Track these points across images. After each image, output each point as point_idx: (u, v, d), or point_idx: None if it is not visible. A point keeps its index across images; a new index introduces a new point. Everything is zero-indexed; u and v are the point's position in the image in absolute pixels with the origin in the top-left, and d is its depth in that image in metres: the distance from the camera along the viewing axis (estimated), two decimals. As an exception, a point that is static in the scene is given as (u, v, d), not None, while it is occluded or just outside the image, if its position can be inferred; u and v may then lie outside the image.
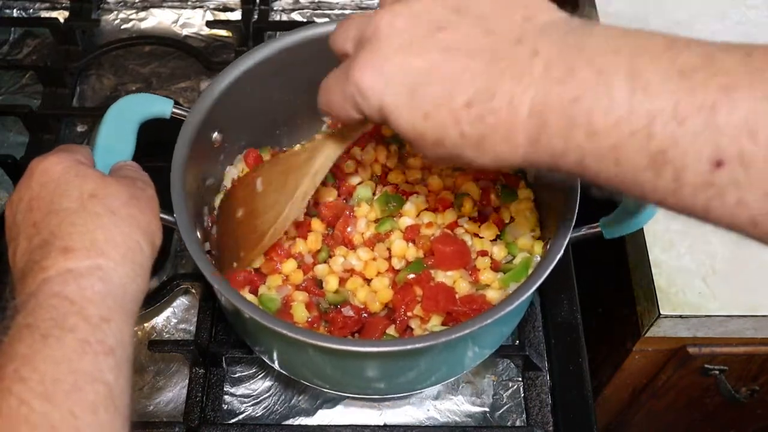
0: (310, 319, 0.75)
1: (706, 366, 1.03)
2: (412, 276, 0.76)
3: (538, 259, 0.77)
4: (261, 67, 0.81)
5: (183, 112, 0.76)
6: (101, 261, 0.53)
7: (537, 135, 0.45)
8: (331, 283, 0.78)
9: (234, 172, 0.86)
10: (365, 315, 0.76)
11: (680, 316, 0.88)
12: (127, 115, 0.73)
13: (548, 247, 0.69)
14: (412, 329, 0.75)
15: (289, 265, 0.78)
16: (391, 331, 0.75)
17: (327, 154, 0.68)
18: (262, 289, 0.77)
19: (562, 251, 0.67)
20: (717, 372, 1.03)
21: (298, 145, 0.91)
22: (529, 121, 0.45)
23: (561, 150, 0.45)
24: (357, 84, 0.49)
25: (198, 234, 0.75)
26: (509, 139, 0.46)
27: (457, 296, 0.75)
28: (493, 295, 0.76)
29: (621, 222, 0.69)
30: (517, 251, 0.79)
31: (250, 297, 0.76)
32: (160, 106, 0.75)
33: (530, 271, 0.73)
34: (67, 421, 0.45)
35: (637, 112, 0.41)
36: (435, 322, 0.74)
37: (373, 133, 0.88)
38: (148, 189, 0.63)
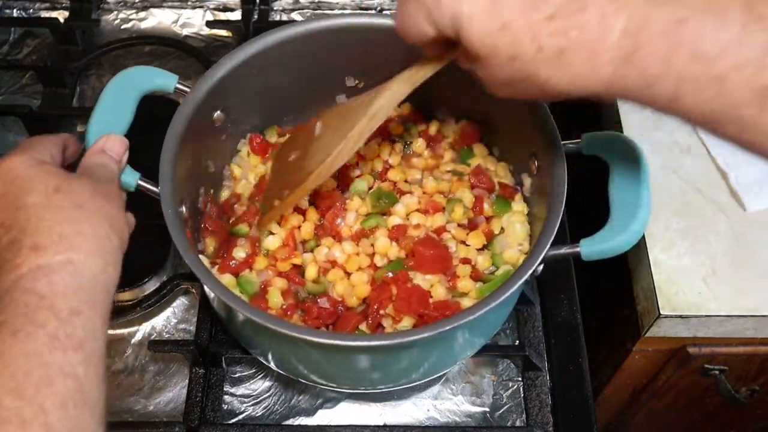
0: (284, 307, 0.75)
1: (706, 366, 1.03)
2: (390, 275, 0.76)
3: None
4: (268, 53, 0.81)
5: (186, 89, 0.76)
6: (71, 255, 0.53)
7: (629, 56, 0.43)
8: (311, 272, 0.78)
9: (239, 165, 0.87)
10: (341, 308, 0.76)
11: (680, 316, 0.88)
12: (129, 87, 0.74)
13: (523, 261, 0.69)
14: (383, 327, 0.75)
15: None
16: (363, 327, 0.75)
17: (390, 94, 0.66)
18: (243, 272, 0.77)
19: (535, 266, 0.67)
20: (717, 372, 1.03)
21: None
22: (622, 40, 0.43)
23: (656, 74, 0.43)
24: None
25: (184, 209, 0.75)
26: (593, 58, 0.44)
27: (431, 300, 0.75)
28: (468, 303, 0.75)
29: (601, 245, 0.68)
30: (502, 263, 0.79)
31: (227, 279, 0.76)
32: (164, 80, 0.76)
33: None
34: (37, 416, 0.45)
35: (748, 42, 0.40)
36: (406, 324, 0.74)
37: (380, 131, 0.88)
38: (111, 184, 0.63)
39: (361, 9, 1.21)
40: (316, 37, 0.82)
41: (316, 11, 1.21)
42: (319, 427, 0.82)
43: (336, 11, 1.21)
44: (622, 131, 1.00)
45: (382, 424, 0.83)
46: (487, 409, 0.84)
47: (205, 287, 0.70)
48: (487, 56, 0.49)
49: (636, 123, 1.00)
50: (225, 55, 0.80)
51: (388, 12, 1.20)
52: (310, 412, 0.84)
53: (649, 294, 0.90)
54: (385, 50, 0.85)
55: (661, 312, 0.88)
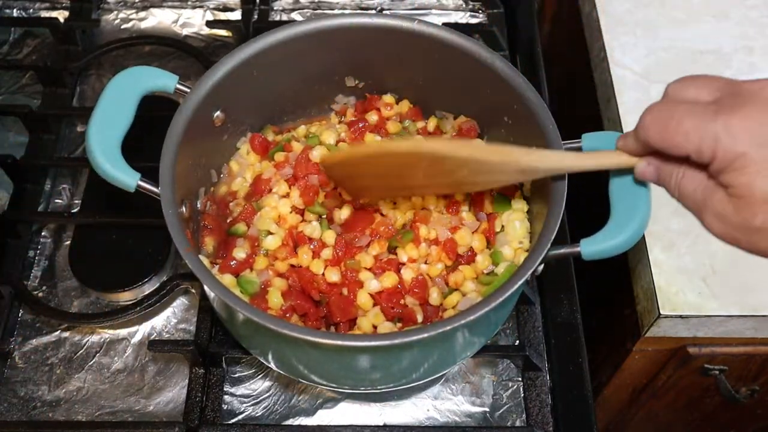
0: (284, 307, 0.75)
1: (706, 366, 1.03)
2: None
3: None
4: (268, 53, 0.81)
5: (186, 89, 0.77)
6: None
7: None
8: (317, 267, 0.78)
9: (238, 162, 0.87)
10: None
11: (680, 316, 0.88)
12: (130, 87, 0.74)
13: (524, 261, 0.69)
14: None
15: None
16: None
17: (549, 162, 0.68)
18: (244, 272, 0.77)
19: (535, 266, 0.67)
20: (717, 372, 1.03)
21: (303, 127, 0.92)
22: None
23: None
24: (728, 125, 0.48)
25: (184, 210, 0.75)
26: None
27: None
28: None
29: (601, 245, 0.68)
30: (501, 260, 0.79)
31: (227, 279, 0.76)
32: (164, 81, 0.76)
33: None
34: None
35: None
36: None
37: (378, 129, 0.88)
38: None
39: (361, 9, 1.21)
40: (316, 37, 0.82)
41: (316, 11, 1.21)
42: (319, 427, 0.82)
43: (336, 11, 1.21)
44: (622, 131, 1.00)
45: (382, 424, 0.83)
46: (487, 409, 0.84)
47: (205, 287, 0.70)
48: (757, 200, 0.49)
49: (636, 123, 1.00)
50: (225, 55, 0.80)
51: (388, 12, 1.20)
52: (310, 412, 0.84)
53: (649, 294, 0.90)
54: (385, 50, 0.85)
55: (661, 312, 0.88)
